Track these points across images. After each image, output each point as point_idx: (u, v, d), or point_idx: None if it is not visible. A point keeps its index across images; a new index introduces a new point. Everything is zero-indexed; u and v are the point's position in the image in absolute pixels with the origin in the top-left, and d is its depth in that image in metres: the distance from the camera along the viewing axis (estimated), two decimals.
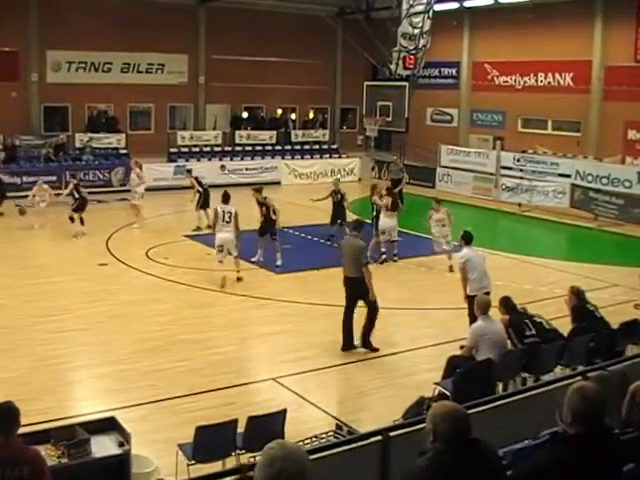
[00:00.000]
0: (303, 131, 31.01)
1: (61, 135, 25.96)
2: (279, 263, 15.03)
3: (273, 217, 15.08)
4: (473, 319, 9.63)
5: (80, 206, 17.64)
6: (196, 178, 19.47)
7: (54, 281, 13.65)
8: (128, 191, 22.58)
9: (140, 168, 19.88)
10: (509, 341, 8.67)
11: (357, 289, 10.55)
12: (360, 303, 10.71)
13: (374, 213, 16.68)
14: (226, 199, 13.87)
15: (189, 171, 20.28)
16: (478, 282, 10.39)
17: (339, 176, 15.15)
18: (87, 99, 26.68)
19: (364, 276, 10.44)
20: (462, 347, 9.03)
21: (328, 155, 29.86)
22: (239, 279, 13.90)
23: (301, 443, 6.23)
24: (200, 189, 18.83)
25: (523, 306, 9.40)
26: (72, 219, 17.54)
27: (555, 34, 25.61)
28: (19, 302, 12.38)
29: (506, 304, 8.88)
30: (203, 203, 18.63)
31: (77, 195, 17.78)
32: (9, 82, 25.20)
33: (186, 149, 27.86)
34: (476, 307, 8.54)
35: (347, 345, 10.57)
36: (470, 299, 10.04)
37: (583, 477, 3.49)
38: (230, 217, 13.51)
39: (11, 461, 4.47)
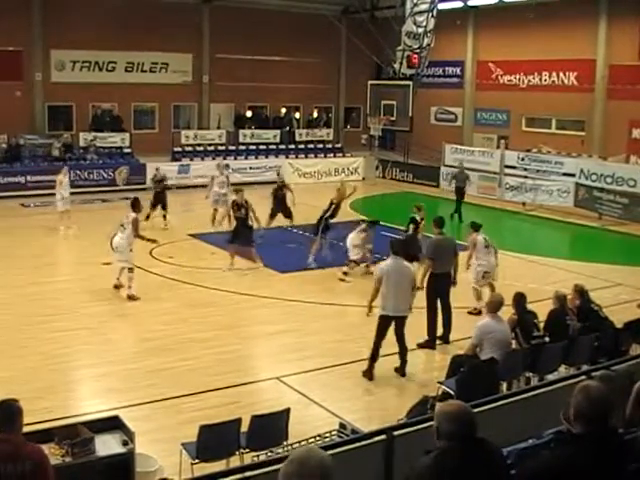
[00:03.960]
0: (307, 130, 30.97)
1: (65, 134, 25.99)
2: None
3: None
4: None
5: None
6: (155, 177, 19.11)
7: (58, 280, 13.66)
8: (130, 190, 22.60)
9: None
10: (514, 341, 8.65)
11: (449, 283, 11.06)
12: None
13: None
14: (134, 207, 13.03)
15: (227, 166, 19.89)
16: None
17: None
18: (91, 98, 26.71)
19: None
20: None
21: (332, 154, 29.86)
22: (129, 297, 12.59)
23: (305, 442, 6.22)
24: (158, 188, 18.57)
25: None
26: None
27: (559, 33, 25.56)
28: (24, 301, 12.39)
29: (518, 302, 8.75)
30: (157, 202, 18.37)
31: None
32: (13, 81, 25.24)
33: (190, 148, 27.84)
34: (489, 305, 8.47)
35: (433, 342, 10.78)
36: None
37: (587, 477, 3.47)
38: (126, 223, 12.85)
39: (13, 456, 4.44)
